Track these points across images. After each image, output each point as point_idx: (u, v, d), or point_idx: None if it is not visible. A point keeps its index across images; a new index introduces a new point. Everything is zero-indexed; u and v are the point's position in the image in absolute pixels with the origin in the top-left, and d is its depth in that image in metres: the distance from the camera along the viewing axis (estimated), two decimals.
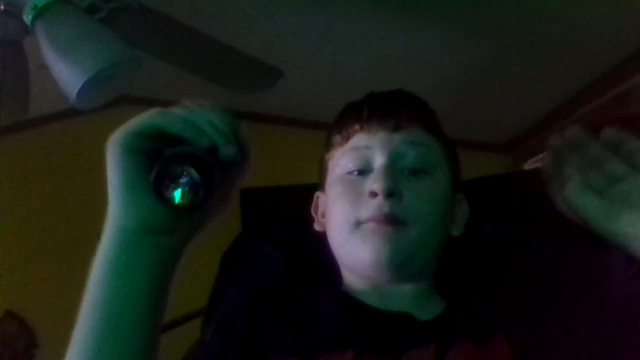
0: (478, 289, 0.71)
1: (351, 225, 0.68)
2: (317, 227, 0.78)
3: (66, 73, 1.17)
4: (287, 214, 0.90)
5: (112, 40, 1.20)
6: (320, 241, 0.75)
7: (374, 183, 0.67)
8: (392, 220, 0.66)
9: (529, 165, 2.54)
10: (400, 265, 0.67)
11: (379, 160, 0.70)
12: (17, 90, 1.44)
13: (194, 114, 0.56)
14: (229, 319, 0.69)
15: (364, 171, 0.70)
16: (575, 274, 0.67)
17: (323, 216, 0.77)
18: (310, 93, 2.35)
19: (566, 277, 0.68)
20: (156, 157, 0.52)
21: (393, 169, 0.69)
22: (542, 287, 0.68)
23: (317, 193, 0.79)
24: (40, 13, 1.21)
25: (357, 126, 0.73)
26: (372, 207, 0.67)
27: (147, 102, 2.81)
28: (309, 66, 2.20)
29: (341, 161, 0.72)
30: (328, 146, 0.77)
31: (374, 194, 0.67)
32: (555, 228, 0.69)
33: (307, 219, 0.79)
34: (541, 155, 2.42)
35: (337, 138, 0.75)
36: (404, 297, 0.69)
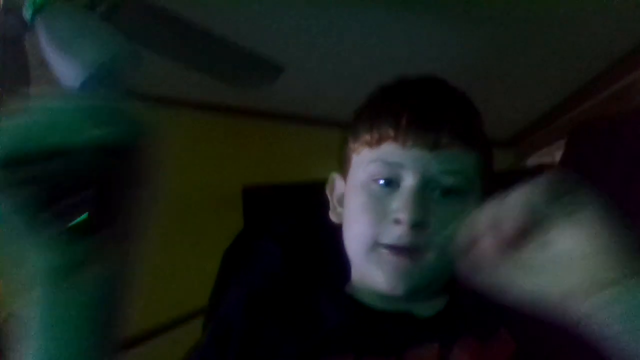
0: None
1: (368, 246, 0.65)
2: (332, 217, 0.73)
3: (67, 69, 1.17)
4: (289, 211, 0.89)
5: (112, 35, 1.20)
6: (321, 238, 0.75)
7: (400, 211, 0.62)
8: (412, 251, 0.63)
9: (533, 160, 2.53)
10: (414, 293, 0.65)
11: (409, 180, 0.64)
12: (17, 87, 1.43)
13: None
14: (226, 322, 0.67)
15: (390, 183, 0.65)
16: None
17: (340, 204, 0.72)
18: (311, 89, 2.35)
19: None
20: None
21: (423, 193, 0.63)
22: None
23: (334, 175, 0.74)
24: (39, 9, 1.20)
25: (391, 132, 0.65)
26: (393, 234, 0.63)
27: (147, 99, 2.82)
28: (310, 62, 2.19)
29: (368, 167, 0.67)
30: (355, 136, 0.70)
31: (398, 222, 0.63)
32: None
33: (309, 216, 0.79)
34: (544, 150, 2.42)
35: (366, 136, 0.68)
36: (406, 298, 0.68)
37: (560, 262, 0.46)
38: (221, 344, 0.64)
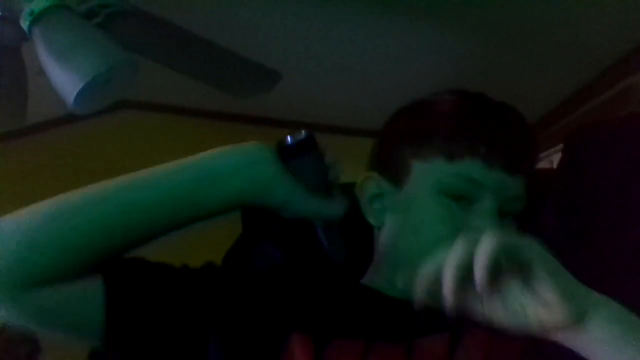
0: None
1: (424, 252, 0.61)
2: (370, 220, 0.71)
3: (63, 78, 1.17)
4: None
5: (109, 44, 1.20)
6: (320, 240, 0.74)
7: (476, 223, 0.62)
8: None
9: None
10: None
11: (488, 202, 0.64)
12: (15, 96, 1.44)
13: None
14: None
15: (462, 198, 0.64)
16: (572, 270, 0.67)
17: (380, 204, 0.70)
18: (309, 95, 2.35)
19: (573, 264, 0.67)
20: None
21: (496, 214, 0.64)
22: None
23: (369, 174, 0.71)
24: (37, 19, 1.21)
25: (482, 150, 0.64)
26: (461, 247, 0.63)
27: (146, 107, 2.82)
28: (308, 68, 2.20)
29: (444, 179, 0.65)
30: (423, 143, 0.67)
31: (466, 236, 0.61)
32: (555, 226, 0.69)
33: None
34: (543, 153, 2.42)
35: (444, 146, 0.66)
36: None
37: (529, 301, 0.50)
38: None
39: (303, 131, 0.62)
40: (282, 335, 0.61)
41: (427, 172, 0.67)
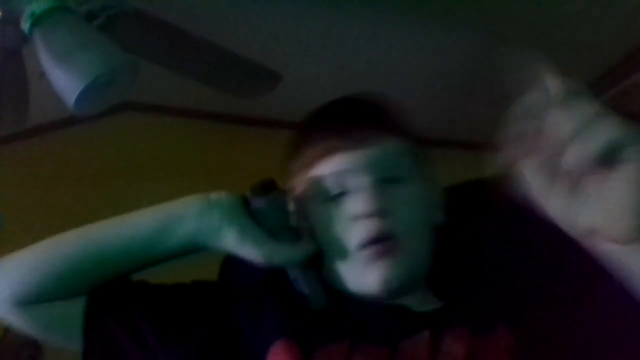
0: (478, 283, 0.70)
1: (345, 254, 0.67)
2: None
3: (64, 80, 1.17)
4: None
5: (110, 46, 1.20)
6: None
7: (357, 206, 0.65)
8: (384, 238, 0.65)
9: None
10: (406, 282, 0.67)
11: (354, 181, 0.67)
12: (17, 99, 1.44)
13: None
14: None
15: (341, 194, 0.67)
16: (577, 264, 0.67)
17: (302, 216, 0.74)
18: (309, 96, 2.35)
19: (569, 268, 0.67)
20: None
21: (371, 186, 0.66)
22: (544, 278, 0.68)
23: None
24: (37, 21, 1.21)
25: (320, 152, 0.69)
26: (361, 230, 0.65)
27: (148, 109, 2.82)
28: (309, 70, 2.20)
29: (314, 187, 0.69)
30: (292, 161, 0.73)
31: (359, 217, 0.65)
32: (557, 226, 0.69)
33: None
34: None
35: (304, 167, 0.71)
36: (403, 298, 0.69)
37: (596, 200, 0.47)
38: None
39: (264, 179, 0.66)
40: (266, 343, 0.62)
41: (305, 186, 0.71)
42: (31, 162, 2.51)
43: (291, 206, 0.68)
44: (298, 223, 0.68)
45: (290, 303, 0.66)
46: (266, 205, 0.66)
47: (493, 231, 0.78)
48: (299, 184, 0.71)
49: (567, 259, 0.68)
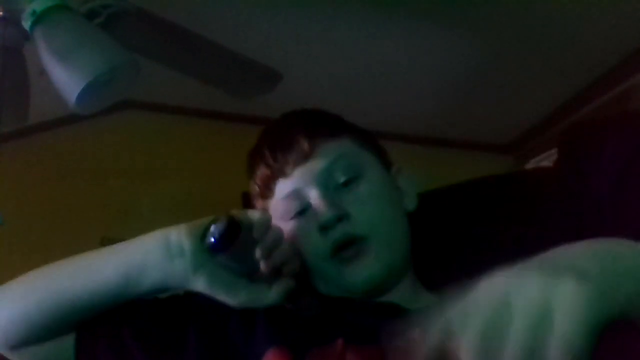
0: (472, 283, 0.70)
1: (320, 264, 0.68)
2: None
3: (65, 78, 1.17)
4: None
5: (110, 45, 1.21)
6: None
7: (317, 219, 0.67)
8: (351, 241, 0.66)
9: (531, 165, 2.54)
10: (387, 276, 0.68)
11: (309, 194, 0.68)
12: (17, 96, 1.44)
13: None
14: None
15: (304, 210, 0.69)
16: None
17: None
18: (310, 96, 2.35)
19: None
20: None
21: (326, 194, 0.67)
22: None
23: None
24: (39, 19, 1.21)
25: (271, 175, 0.70)
26: (326, 240, 0.67)
27: (148, 107, 2.82)
28: (309, 69, 2.20)
29: (278, 212, 0.70)
30: (256, 197, 0.74)
31: (322, 229, 0.67)
32: (552, 224, 0.69)
33: None
34: (544, 155, 2.42)
35: (261, 192, 0.73)
36: (392, 293, 0.70)
37: None
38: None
39: (225, 219, 0.60)
40: (258, 354, 0.62)
41: (266, 211, 0.71)
42: (32, 159, 2.52)
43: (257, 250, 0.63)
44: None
45: (281, 312, 0.66)
46: (233, 254, 0.61)
47: (488, 232, 0.78)
48: (262, 208, 0.73)
49: None
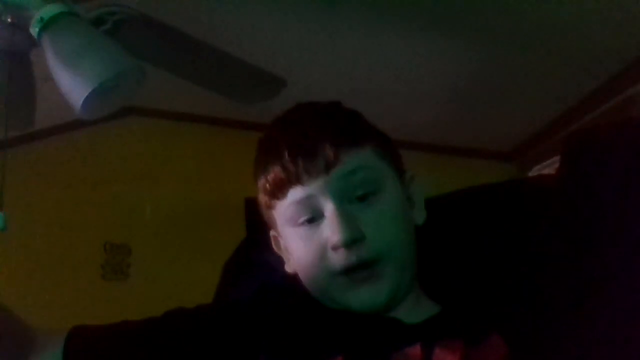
0: (473, 292, 0.71)
1: (325, 279, 0.67)
2: (288, 269, 0.74)
3: (71, 84, 1.18)
4: None
5: (116, 51, 1.22)
6: None
7: (332, 235, 0.64)
8: (364, 265, 0.65)
9: (534, 173, 2.54)
10: (394, 298, 0.67)
11: (325, 206, 0.65)
12: (24, 102, 1.45)
13: None
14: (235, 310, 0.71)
15: (314, 219, 0.67)
16: (573, 275, 0.67)
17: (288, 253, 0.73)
18: None
19: (565, 278, 0.68)
20: None
21: (342, 210, 0.65)
22: (539, 288, 0.68)
23: (272, 233, 0.75)
24: (46, 26, 1.22)
25: (287, 179, 0.66)
26: (339, 259, 0.65)
27: (153, 113, 2.83)
28: (312, 75, 2.21)
29: (286, 215, 0.68)
30: (263, 193, 0.71)
31: (335, 247, 0.65)
32: (555, 232, 0.70)
33: None
34: (546, 162, 2.43)
35: (271, 191, 0.69)
36: (397, 309, 0.69)
37: None
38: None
39: None
40: None
41: (277, 214, 0.70)
42: (37, 165, 2.53)
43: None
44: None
45: (282, 328, 0.66)
46: None
47: (490, 239, 0.78)
48: (270, 211, 0.71)
49: (562, 269, 0.69)
